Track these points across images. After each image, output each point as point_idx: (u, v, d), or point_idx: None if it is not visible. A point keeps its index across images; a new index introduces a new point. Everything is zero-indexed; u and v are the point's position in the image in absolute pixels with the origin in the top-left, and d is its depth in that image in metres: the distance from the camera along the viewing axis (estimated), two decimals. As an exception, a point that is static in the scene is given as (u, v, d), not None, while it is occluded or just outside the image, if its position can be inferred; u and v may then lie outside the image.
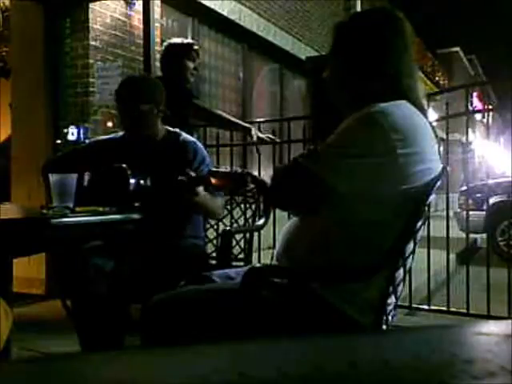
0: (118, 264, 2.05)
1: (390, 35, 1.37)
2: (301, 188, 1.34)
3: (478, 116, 21.96)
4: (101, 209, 1.80)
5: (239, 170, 1.72)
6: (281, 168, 1.60)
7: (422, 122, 1.35)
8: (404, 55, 1.37)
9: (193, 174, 1.80)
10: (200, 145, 2.35)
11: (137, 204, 1.96)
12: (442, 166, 1.38)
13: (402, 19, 1.39)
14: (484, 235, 6.59)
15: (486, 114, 16.76)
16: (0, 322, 1.37)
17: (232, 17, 6.28)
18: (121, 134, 2.41)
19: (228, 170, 1.75)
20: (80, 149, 2.41)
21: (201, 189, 1.89)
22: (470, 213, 3.88)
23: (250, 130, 3.39)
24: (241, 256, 2.57)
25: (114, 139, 2.40)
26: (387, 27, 1.38)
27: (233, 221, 2.85)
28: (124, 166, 2.04)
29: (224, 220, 2.82)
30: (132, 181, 2.02)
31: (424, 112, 1.38)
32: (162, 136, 2.31)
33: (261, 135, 3.40)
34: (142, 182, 2.03)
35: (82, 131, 4.08)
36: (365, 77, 1.37)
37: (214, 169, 1.80)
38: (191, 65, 3.28)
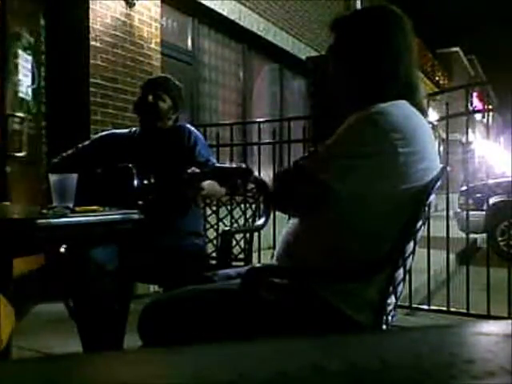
0: (119, 263, 2.05)
1: (390, 34, 1.36)
2: (302, 191, 1.34)
3: (478, 116, 21.92)
4: (101, 209, 1.80)
5: (243, 165, 1.74)
6: (282, 172, 1.59)
7: (421, 121, 1.35)
8: (405, 54, 1.36)
9: (197, 170, 1.82)
10: (192, 128, 2.41)
11: (140, 202, 1.97)
12: (441, 165, 1.38)
13: (402, 17, 1.38)
14: (484, 235, 6.59)
15: (485, 114, 16.72)
16: (2, 321, 1.37)
17: (232, 17, 6.28)
18: (126, 130, 2.48)
19: (233, 165, 1.77)
20: (81, 147, 2.41)
21: (205, 183, 1.91)
22: (470, 213, 3.88)
23: None
24: (241, 256, 2.56)
25: (119, 134, 2.47)
26: (388, 25, 1.37)
27: (233, 221, 2.85)
28: (129, 165, 2.07)
29: (224, 220, 2.82)
30: (136, 180, 2.04)
31: (424, 113, 1.37)
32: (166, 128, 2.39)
33: None
34: (145, 181, 2.05)
35: None
36: (365, 77, 1.36)
37: (219, 165, 1.82)
38: None
